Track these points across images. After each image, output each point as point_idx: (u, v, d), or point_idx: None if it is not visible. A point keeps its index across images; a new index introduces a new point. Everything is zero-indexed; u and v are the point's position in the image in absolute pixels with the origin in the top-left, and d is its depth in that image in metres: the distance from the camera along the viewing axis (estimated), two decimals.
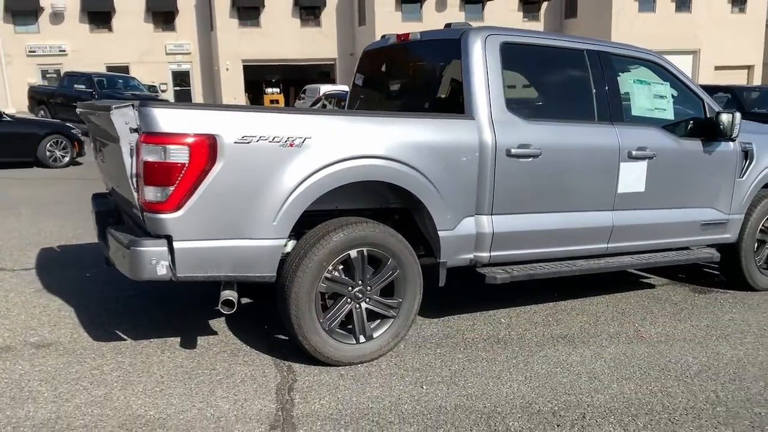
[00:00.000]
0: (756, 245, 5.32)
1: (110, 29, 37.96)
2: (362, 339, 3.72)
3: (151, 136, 3.10)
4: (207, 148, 3.16)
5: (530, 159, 4.03)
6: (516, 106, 4.08)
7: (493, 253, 4.08)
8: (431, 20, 36.97)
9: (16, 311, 4.49)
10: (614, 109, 4.43)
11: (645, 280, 5.70)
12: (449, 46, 4.16)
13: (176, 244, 3.20)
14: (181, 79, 40.20)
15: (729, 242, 5.16)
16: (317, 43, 38.95)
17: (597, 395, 3.45)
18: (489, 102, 3.94)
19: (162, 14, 38.75)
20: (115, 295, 4.83)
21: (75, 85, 20.43)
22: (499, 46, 4.04)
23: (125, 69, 37.40)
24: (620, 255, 4.67)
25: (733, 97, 13.97)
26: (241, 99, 38.15)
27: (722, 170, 4.90)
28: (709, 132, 4.78)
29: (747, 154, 5.03)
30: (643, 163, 4.48)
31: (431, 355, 3.93)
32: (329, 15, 39.04)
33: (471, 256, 4.03)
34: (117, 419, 3.04)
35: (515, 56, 4.16)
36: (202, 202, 3.20)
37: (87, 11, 37.14)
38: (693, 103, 4.89)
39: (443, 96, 4.40)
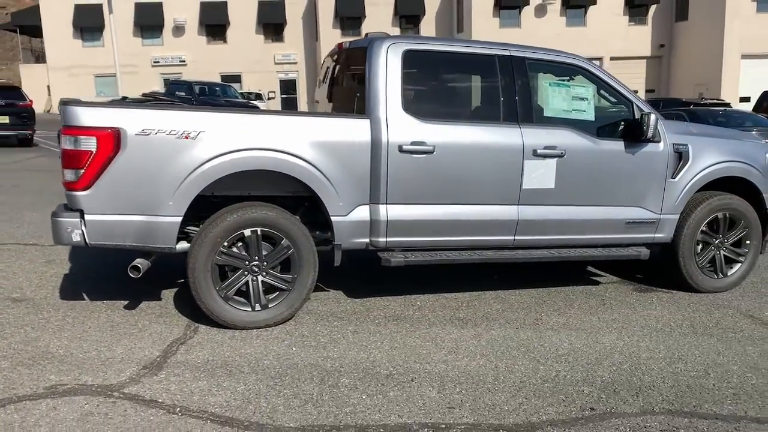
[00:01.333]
0: (700, 247, 5.34)
1: (225, 41, 40.83)
2: (258, 307, 4.29)
3: (67, 128, 3.87)
4: (112, 139, 3.88)
5: (424, 155, 4.44)
6: (414, 107, 4.50)
7: (389, 239, 4.52)
8: (530, 26, 36.72)
9: (19, 274, 5.46)
10: (523, 111, 4.71)
11: (594, 278, 5.84)
12: (362, 53, 4.65)
13: (87, 217, 3.95)
14: (288, 87, 42.45)
15: (663, 242, 5.24)
16: None
17: (441, 365, 3.82)
18: (385, 103, 4.40)
19: (272, 26, 41.17)
20: (105, 268, 5.71)
21: (176, 92, 22.43)
22: (401, 53, 4.49)
23: (237, 78, 40.16)
24: (534, 248, 4.92)
25: None
26: None
27: (649, 170, 5.02)
28: (631, 133, 4.93)
29: (681, 156, 5.11)
30: (551, 161, 4.72)
31: (326, 326, 4.43)
32: (428, 23, 39.77)
33: (367, 240, 4.50)
34: (31, 353, 3.81)
35: (419, 62, 4.59)
36: (108, 183, 3.92)
37: (205, 24, 40.20)
38: (622, 106, 5.06)
39: (361, 97, 4.88)
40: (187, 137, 4.00)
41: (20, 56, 42.77)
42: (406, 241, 4.58)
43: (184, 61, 40.38)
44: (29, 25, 40.43)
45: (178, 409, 3.21)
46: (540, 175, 4.73)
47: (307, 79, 41.82)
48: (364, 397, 3.40)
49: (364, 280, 5.51)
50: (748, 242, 5.45)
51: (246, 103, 23.62)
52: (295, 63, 41.77)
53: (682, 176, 5.13)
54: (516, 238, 4.81)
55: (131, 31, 39.50)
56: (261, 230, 4.22)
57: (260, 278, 4.30)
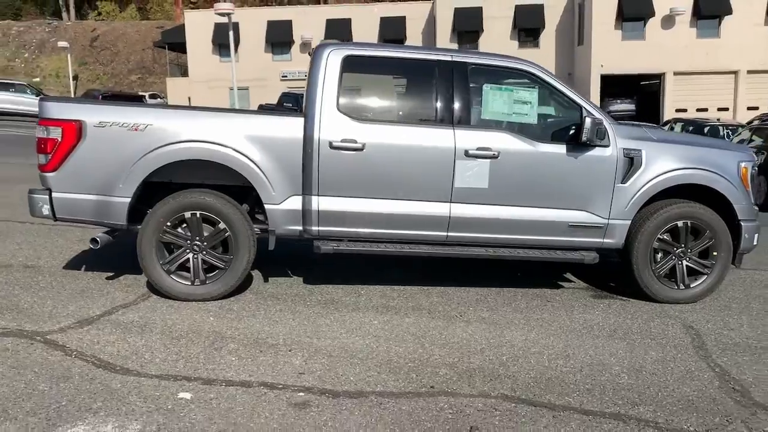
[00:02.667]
0: (660, 255, 5.22)
1: None
2: (197, 282, 4.85)
3: (41, 120, 4.66)
4: (74, 130, 4.62)
5: (353, 152, 4.80)
6: (349, 107, 4.88)
7: (321, 228, 4.91)
8: (655, 38, 35.07)
9: (48, 248, 6.41)
10: (460, 113, 4.93)
11: (561, 282, 5.85)
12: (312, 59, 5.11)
13: (54, 194, 4.71)
14: None
15: (614, 247, 5.19)
16: None
17: (328, 341, 4.16)
18: (321, 104, 4.82)
19: (392, 42, 42.34)
20: (116, 250, 6.54)
21: (285, 103, 24.00)
22: (341, 58, 4.89)
23: None
24: (472, 246, 5.08)
25: None
26: None
27: (593, 174, 5.02)
28: (575, 137, 4.98)
29: (633, 161, 5.05)
30: (485, 162, 4.89)
31: (259, 304, 4.90)
32: (548, 36, 39.08)
33: (300, 228, 4.92)
34: (1, 305, 4.61)
35: (359, 67, 4.98)
36: (71, 167, 4.67)
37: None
38: (571, 110, 5.10)
39: None
40: (136, 129, 4.66)
41: (168, 70, 47.15)
42: (338, 231, 4.94)
43: None
44: (177, 42, 44.54)
45: (75, 353, 3.81)
46: (472, 174, 4.90)
47: None
48: (233, 359, 3.83)
49: (334, 270, 5.91)
50: (715, 254, 5.24)
51: None
52: None
53: (633, 182, 5.07)
54: (449, 234, 5.01)
55: (263, 47, 42.35)
56: (200, 213, 4.78)
57: (200, 257, 4.86)
